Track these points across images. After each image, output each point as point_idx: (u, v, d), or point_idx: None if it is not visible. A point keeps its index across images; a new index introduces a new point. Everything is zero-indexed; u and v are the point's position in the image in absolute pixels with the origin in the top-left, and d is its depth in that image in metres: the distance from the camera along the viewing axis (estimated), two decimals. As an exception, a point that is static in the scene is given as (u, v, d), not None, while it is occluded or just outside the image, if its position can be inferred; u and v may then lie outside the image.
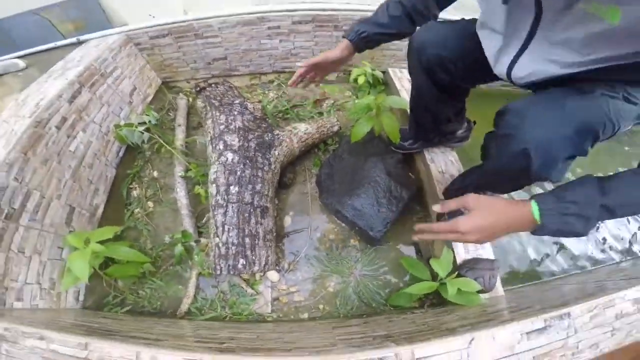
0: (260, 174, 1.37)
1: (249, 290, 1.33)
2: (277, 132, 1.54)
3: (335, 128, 1.67)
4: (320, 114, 1.78)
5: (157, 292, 1.35)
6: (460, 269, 1.19)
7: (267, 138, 1.48)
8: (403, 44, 1.77)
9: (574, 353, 0.80)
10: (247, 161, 1.37)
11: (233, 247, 1.23)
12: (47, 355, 0.82)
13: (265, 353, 0.81)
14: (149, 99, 1.81)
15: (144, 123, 1.55)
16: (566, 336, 0.80)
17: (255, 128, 1.50)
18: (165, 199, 1.58)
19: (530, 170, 0.74)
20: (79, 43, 1.66)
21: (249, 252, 1.24)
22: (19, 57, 1.68)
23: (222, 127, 1.46)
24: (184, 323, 1.23)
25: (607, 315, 0.85)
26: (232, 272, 1.22)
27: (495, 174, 0.98)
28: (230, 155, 1.37)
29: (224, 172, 1.33)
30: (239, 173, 1.33)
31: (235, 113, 1.52)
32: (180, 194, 1.51)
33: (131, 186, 1.60)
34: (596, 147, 0.75)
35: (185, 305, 1.30)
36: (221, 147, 1.39)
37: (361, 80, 1.76)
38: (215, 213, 1.29)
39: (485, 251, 1.22)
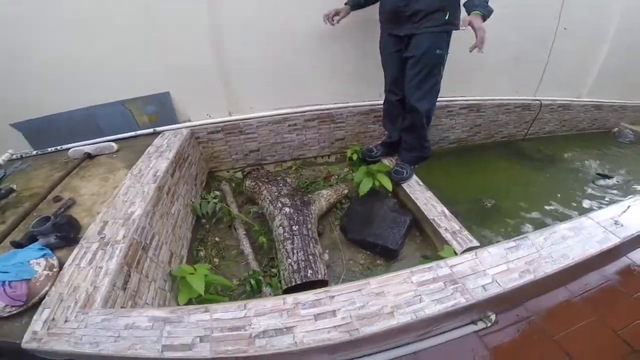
0: (308, 219, 1.86)
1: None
2: (310, 195, 2.10)
3: (345, 191, 2.27)
4: (330, 185, 2.38)
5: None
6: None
7: (305, 199, 2.01)
8: (378, 128, 2.61)
9: (553, 260, 1.25)
10: (299, 211, 1.86)
11: (302, 263, 1.63)
12: (211, 325, 1.01)
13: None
14: (204, 184, 2.30)
15: (215, 198, 2.01)
16: (536, 250, 1.29)
17: (295, 194, 2.04)
18: (227, 256, 1.92)
19: None
20: (154, 133, 2.14)
21: (313, 265, 1.63)
22: (112, 141, 2.04)
23: (275, 193, 1.99)
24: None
25: (556, 237, 1.34)
26: (304, 280, 1.58)
27: None
28: (287, 209, 1.86)
29: (286, 219, 1.80)
30: (295, 218, 1.81)
31: (281, 185, 2.08)
32: (246, 246, 1.88)
33: (198, 248, 1.94)
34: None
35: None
36: (280, 205, 1.89)
37: (354, 157, 2.46)
38: (285, 244, 1.71)
39: (472, 243, 1.75)
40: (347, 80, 2.41)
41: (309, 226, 1.82)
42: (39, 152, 2.10)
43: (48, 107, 2.02)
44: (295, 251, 1.66)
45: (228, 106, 2.26)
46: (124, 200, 1.52)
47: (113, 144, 2.00)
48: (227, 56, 2.07)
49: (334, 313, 1.06)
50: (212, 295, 1.57)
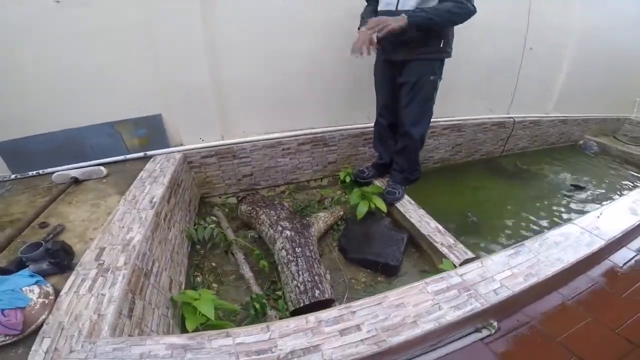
0: (309, 241, 1.86)
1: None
2: (308, 218, 2.10)
3: (341, 213, 2.31)
4: (325, 208, 2.41)
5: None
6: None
7: (304, 222, 2.02)
8: (368, 151, 2.70)
9: (551, 263, 1.35)
10: (300, 234, 1.86)
11: (309, 284, 1.60)
12: (235, 350, 0.96)
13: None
14: (196, 210, 2.23)
15: (211, 223, 1.96)
16: (534, 255, 1.38)
17: (293, 217, 2.05)
18: (226, 281, 1.85)
19: None
20: (145, 157, 2.06)
21: (320, 285, 1.62)
22: (100, 165, 1.93)
23: (274, 217, 1.98)
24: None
25: (549, 243, 1.45)
26: (312, 301, 1.55)
27: None
28: (288, 232, 1.85)
29: (288, 241, 1.79)
30: (297, 240, 1.81)
31: (279, 209, 2.08)
32: (246, 270, 1.82)
33: (195, 274, 1.84)
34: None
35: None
36: (280, 228, 1.88)
37: (347, 179, 2.53)
38: (290, 266, 1.68)
39: (468, 255, 1.83)
40: (340, 104, 2.54)
41: (312, 248, 1.81)
42: (19, 176, 1.95)
43: (30, 126, 1.92)
44: (300, 273, 1.64)
45: (221, 130, 2.27)
46: (120, 227, 1.45)
47: (102, 168, 1.91)
48: (221, 79, 2.11)
49: (358, 327, 1.05)
50: (217, 320, 1.49)
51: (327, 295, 1.59)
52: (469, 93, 2.95)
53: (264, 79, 2.23)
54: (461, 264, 1.75)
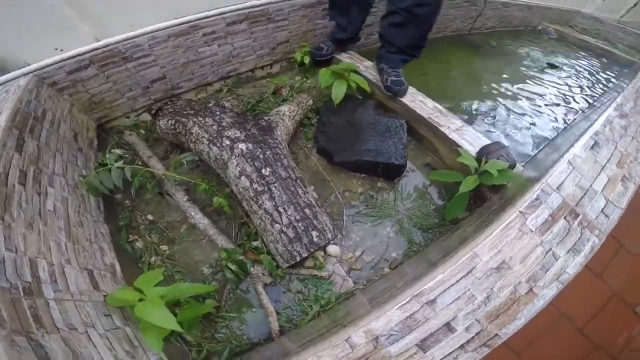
0: (279, 151, 1.29)
1: (323, 274, 1.21)
2: (267, 117, 1.47)
3: (310, 102, 1.70)
4: (284, 100, 1.76)
5: (236, 326, 1.12)
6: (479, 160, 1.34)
7: (263, 123, 1.40)
8: (329, 24, 1.98)
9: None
10: (262, 144, 1.28)
11: (299, 224, 1.14)
12: None
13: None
14: (95, 144, 1.46)
15: (119, 159, 1.26)
16: (613, 146, 1.03)
17: (245, 120, 1.40)
18: (176, 236, 1.31)
19: None
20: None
21: (315, 222, 1.17)
22: None
23: (214, 127, 1.33)
24: (286, 341, 1.05)
25: (615, 126, 1.11)
26: (311, 250, 1.12)
27: None
28: (242, 145, 1.25)
29: (247, 161, 1.21)
30: (261, 156, 1.23)
31: (218, 113, 1.41)
32: (197, 217, 1.28)
33: (130, 239, 1.27)
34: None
35: (275, 323, 1.10)
36: (227, 142, 1.26)
37: (306, 60, 1.89)
38: (261, 202, 1.16)
39: (482, 140, 1.45)
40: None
41: (286, 162, 1.27)
42: None
43: None
44: (281, 209, 1.14)
45: (90, 30, 1.38)
46: None
47: None
48: None
49: (448, 327, 0.63)
50: (189, 308, 1.03)
51: (329, 236, 1.17)
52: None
53: None
54: (479, 153, 1.37)
